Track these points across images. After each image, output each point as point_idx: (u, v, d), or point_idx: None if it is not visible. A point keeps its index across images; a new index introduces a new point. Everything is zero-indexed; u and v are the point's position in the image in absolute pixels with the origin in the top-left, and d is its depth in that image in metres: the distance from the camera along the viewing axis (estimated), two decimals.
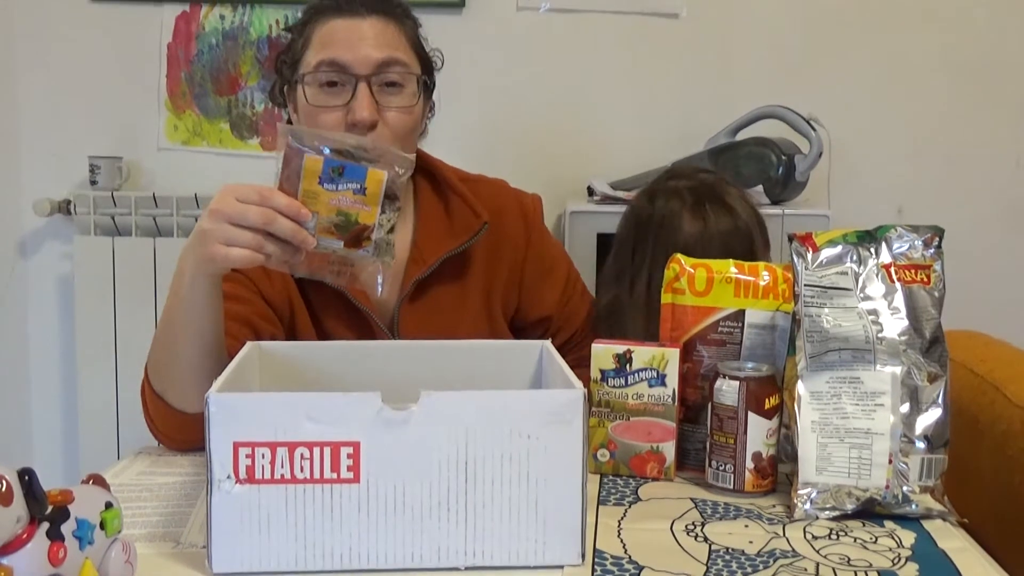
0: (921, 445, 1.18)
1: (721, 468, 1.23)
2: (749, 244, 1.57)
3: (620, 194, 2.46)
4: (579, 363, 1.26)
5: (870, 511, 1.16)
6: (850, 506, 1.16)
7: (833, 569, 1.02)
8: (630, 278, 1.59)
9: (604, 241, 2.37)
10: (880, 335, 1.20)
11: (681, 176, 1.66)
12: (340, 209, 1.18)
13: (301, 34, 1.50)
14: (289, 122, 1.53)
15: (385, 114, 1.45)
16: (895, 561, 1.05)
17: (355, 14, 1.46)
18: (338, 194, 1.18)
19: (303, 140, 1.19)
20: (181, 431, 1.34)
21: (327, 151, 1.18)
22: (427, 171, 1.60)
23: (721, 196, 1.59)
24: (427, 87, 1.53)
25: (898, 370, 1.19)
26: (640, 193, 1.68)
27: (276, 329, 1.48)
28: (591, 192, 2.53)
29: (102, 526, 0.87)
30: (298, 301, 1.51)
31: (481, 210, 1.56)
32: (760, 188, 2.39)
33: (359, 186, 1.18)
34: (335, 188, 1.18)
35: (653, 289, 1.47)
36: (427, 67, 1.54)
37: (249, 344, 1.20)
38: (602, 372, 1.29)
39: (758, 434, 1.22)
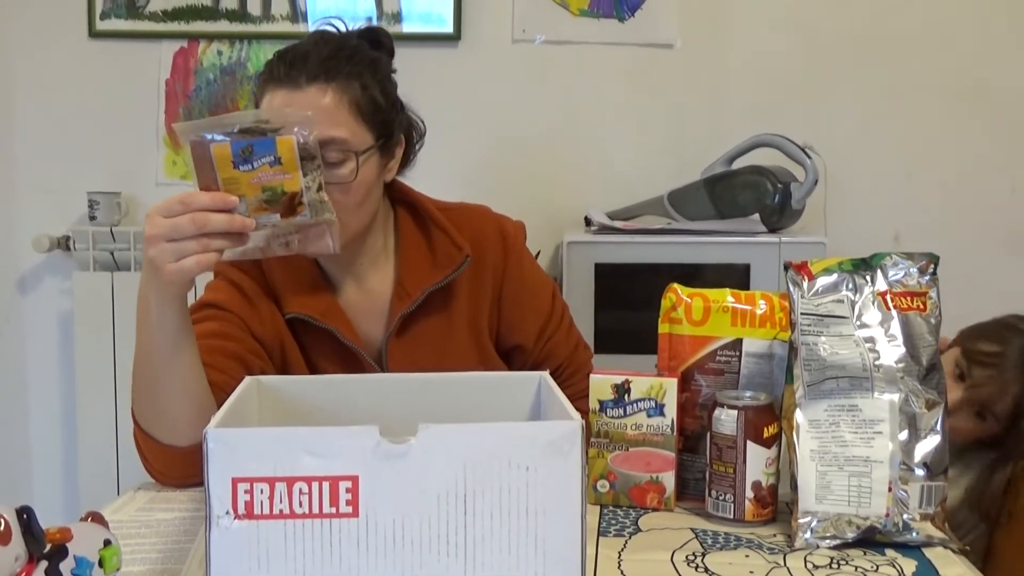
0: (920, 472, 1.18)
1: (721, 498, 1.23)
2: None
3: (617, 224, 2.47)
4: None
5: (871, 539, 1.16)
6: (850, 534, 1.16)
7: None
8: None
9: (601, 271, 2.38)
10: (877, 363, 1.20)
11: None
12: (264, 185, 1.19)
13: (256, 101, 1.45)
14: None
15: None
16: None
17: (294, 84, 1.39)
18: (256, 172, 1.19)
19: (203, 132, 1.19)
20: (177, 467, 1.33)
21: (232, 133, 1.19)
22: (408, 204, 1.58)
23: None
24: (383, 147, 1.45)
25: (896, 397, 1.19)
26: None
27: (266, 364, 1.48)
28: (588, 222, 2.54)
29: (101, 564, 0.87)
30: (289, 341, 1.50)
31: (463, 243, 1.54)
32: (757, 216, 2.40)
33: (273, 157, 1.18)
34: (251, 167, 1.18)
35: None
36: (381, 123, 1.45)
37: (248, 379, 1.19)
38: (600, 403, 1.29)
39: (757, 463, 1.21)
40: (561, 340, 1.63)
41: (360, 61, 1.44)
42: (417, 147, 1.58)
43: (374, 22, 2.70)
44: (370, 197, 1.46)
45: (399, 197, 1.58)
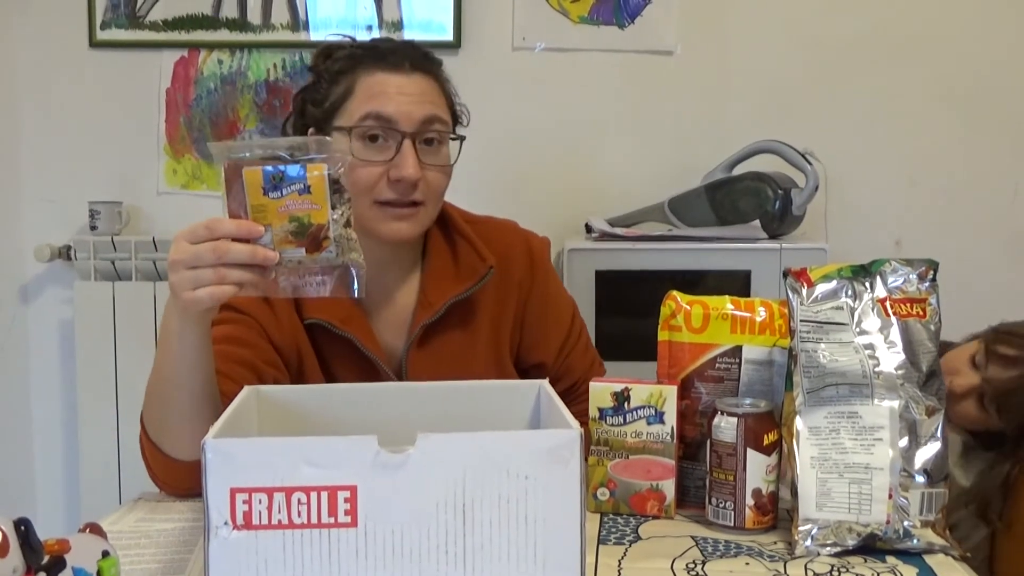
0: (921, 479, 1.18)
1: (721, 505, 1.23)
2: None
3: (618, 231, 2.47)
4: (579, 416, 1.25)
5: (871, 546, 1.16)
6: (851, 542, 1.15)
7: None
8: None
9: (602, 278, 2.38)
10: (877, 369, 1.20)
11: None
12: (291, 215, 1.16)
13: (337, 81, 1.47)
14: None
15: (426, 173, 1.44)
16: None
17: (401, 69, 1.45)
18: (284, 199, 1.15)
19: (239, 155, 1.16)
20: (181, 479, 1.33)
21: (265, 159, 1.16)
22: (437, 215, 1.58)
23: None
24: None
25: (896, 404, 1.19)
26: None
27: (280, 373, 1.47)
28: (589, 230, 2.54)
29: (99, 575, 0.87)
30: (307, 348, 1.49)
31: (487, 255, 1.54)
32: (757, 223, 2.40)
33: (303, 186, 1.15)
34: (280, 195, 1.15)
35: None
36: (456, 124, 1.54)
37: (247, 388, 1.19)
38: (600, 410, 1.29)
39: (757, 470, 1.21)
40: (578, 357, 1.63)
41: (442, 67, 1.53)
42: None
43: (375, 30, 2.70)
44: (446, 190, 1.51)
45: None
